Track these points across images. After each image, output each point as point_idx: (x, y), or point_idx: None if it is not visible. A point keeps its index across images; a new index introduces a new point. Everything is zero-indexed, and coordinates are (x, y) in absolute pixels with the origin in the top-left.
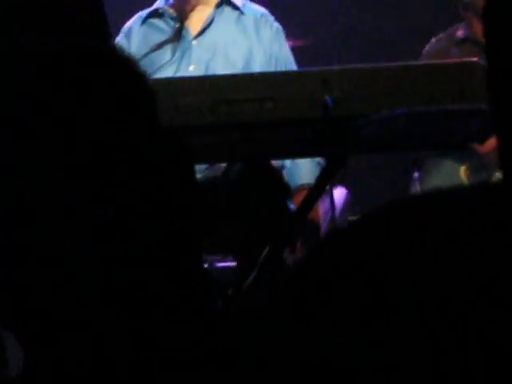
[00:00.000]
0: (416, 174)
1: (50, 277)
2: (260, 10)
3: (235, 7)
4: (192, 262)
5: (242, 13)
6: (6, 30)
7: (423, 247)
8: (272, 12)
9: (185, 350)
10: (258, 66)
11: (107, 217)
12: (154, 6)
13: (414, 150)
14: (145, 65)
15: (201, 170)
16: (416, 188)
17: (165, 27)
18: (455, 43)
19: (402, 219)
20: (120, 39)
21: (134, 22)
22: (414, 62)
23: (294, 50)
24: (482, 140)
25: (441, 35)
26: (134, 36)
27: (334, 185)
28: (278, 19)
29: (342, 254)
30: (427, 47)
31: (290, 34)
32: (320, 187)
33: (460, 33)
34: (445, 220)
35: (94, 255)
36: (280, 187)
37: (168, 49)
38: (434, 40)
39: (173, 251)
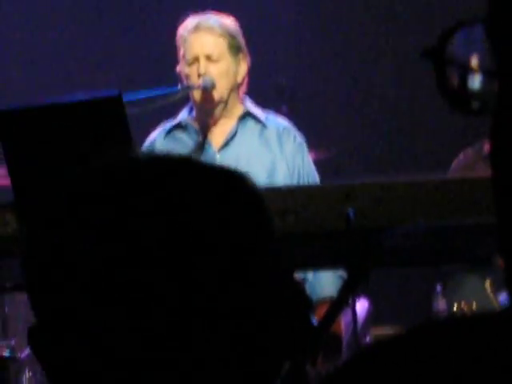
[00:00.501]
0: (439, 288)
1: None
2: (283, 122)
3: (258, 120)
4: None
5: (264, 126)
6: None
7: (449, 375)
8: (295, 124)
9: None
10: (281, 179)
11: None
12: (178, 119)
13: (436, 264)
14: None
15: None
16: (438, 301)
17: (188, 140)
18: (482, 158)
19: (428, 345)
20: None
21: (157, 134)
22: (436, 176)
23: (316, 162)
24: None
25: (469, 150)
26: (156, 149)
27: (356, 297)
28: (301, 132)
29: (367, 380)
30: (455, 161)
31: (312, 146)
32: (342, 300)
33: (488, 147)
34: (471, 348)
35: None
36: (302, 300)
37: None
38: (462, 155)
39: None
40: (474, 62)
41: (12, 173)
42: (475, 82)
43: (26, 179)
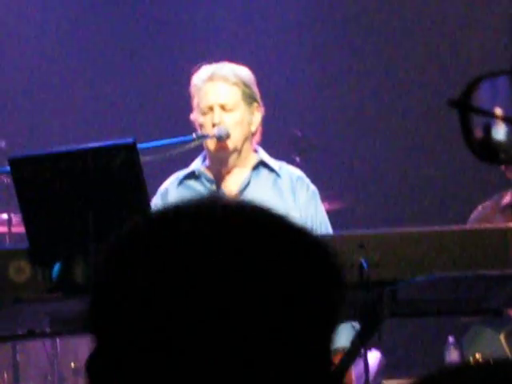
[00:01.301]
0: (451, 339)
1: None
2: (296, 172)
3: (271, 170)
4: None
5: (278, 175)
6: None
7: None
8: (309, 175)
9: None
10: None
11: None
12: (191, 168)
13: (448, 315)
14: None
15: None
16: (451, 353)
17: (201, 189)
18: (501, 210)
19: None
20: (156, 200)
21: (170, 183)
22: (449, 227)
23: (329, 212)
24: None
25: (487, 202)
26: (170, 197)
27: (368, 348)
28: (314, 182)
29: None
30: (474, 214)
31: (326, 196)
32: (355, 351)
33: (506, 199)
34: None
35: None
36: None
37: None
38: (480, 207)
39: None
40: (499, 112)
41: (26, 219)
42: (500, 132)
43: (40, 225)
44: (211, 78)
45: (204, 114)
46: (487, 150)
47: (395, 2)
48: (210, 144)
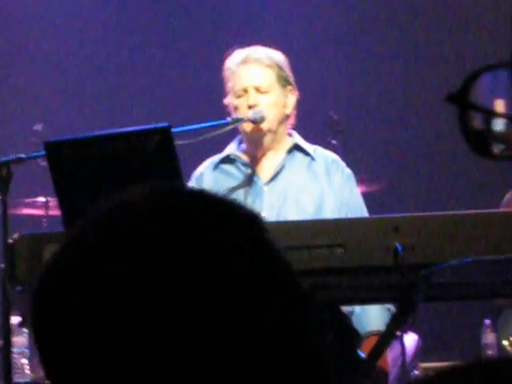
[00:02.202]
0: (487, 322)
1: None
2: (331, 155)
3: (306, 153)
4: None
5: (312, 159)
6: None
7: None
8: (345, 158)
9: None
10: (329, 212)
11: None
12: (226, 152)
13: (483, 298)
14: None
15: None
16: (487, 336)
17: (236, 173)
18: None
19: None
20: (191, 184)
21: (205, 168)
22: (482, 211)
23: (365, 195)
24: None
25: None
26: (205, 182)
27: (404, 331)
28: (350, 165)
29: None
30: (506, 197)
31: (361, 179)
32: (390, 335)
33: None
34: None
35: None
36: (349, 334)
37: (240, 194)
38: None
39: None
40: (499, 104)
41: (62, 203)
42: (499, 125)
43: (76, 209)
44: (245, 61)
45: (239, 96)
46: (484, 144)
47: None
48: (246, 127)
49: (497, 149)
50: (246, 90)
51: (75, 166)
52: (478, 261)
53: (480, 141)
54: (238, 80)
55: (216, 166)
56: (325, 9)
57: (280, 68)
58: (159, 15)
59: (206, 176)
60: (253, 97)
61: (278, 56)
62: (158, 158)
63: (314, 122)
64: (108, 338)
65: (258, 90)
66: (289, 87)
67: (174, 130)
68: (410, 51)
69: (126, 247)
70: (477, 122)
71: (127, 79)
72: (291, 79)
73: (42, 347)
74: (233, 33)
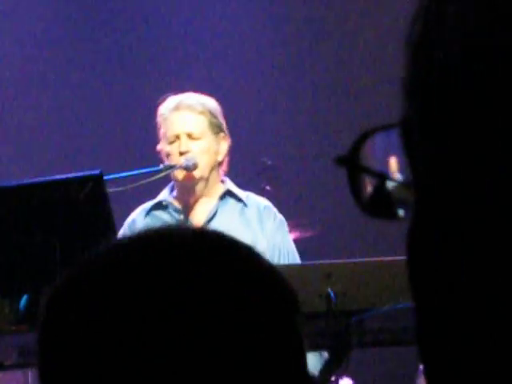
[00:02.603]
0: (421, 367)
1: None
2: (263, 201)
3: (238, 199)
4: None
5: (245, 205)
6: None
7: None
8: (277, 203)
9: None
10: None
11: None
12: (158, 198)
13: (416, 344)
14: None
15: None
16: (421, 381)
17: (168, 219)
18: None
19: None
20: (123, 231)
21: (137, 214)
22: None
23: (299, 241)
24: None
25: None
26: (137, 228)
27: (339, 376)
28: (282, 211)
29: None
30: None
31: (295, 225)
32: (324, 380)
33: None
34: None
35: None
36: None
37: None
38: None
39: None
40: (393, 163)
41: None
42: (393, 185)
43: (6, 258)
44: (177, 108)
45: (171, 142)
46: (378, 205)
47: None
48: (178, 174)
49: (393, 210)
50: (178, 137)
51: (6, 214)
52: (410, 306)
53: (374, 203)
54: (171, 126)
55: (148, 213)
56: (258, 50)
57: (212, 115)
58: (93, 60)
59: (138, 222)
60: (184, 143)
61: (211, 103)
62: (90, 205)
63: (247, 168)
64: (107, 367)
65: (190, 136)
66: (221, 134)
67: (106, 177)
68: (340, 95)
69: (125, 282)
70: (369, 184)
71: (59, 126)
72: (224, 126)
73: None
74: (166, 79)
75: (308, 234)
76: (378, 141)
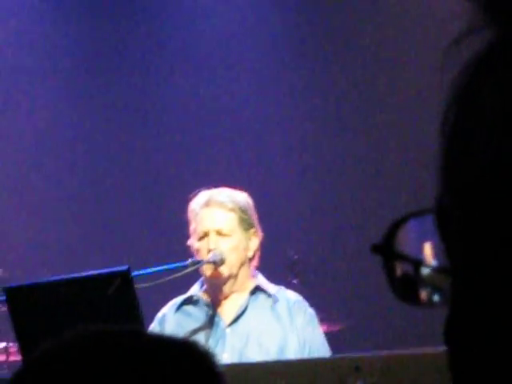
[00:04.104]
0: None
1: None
2: (293, 296)
3: (269, 294)
4: None
5: (275, 300)
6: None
7: None
8: (306, 298)
9: None
10: (292, 353)
11: None
12: (189, 293)
13: None
14: None
15: None
16: None
17: (199, 314)
18: None
19: None
20: (154, 326)
21: (168, 309)
22: (444, 349)
23: (326, 334)
24: None
25: None
26: (167, 323)
27: None
28: (312, 305)
29: None
30: None
31: (324, 318)
32: None
33: None
34: None
35: None
36: None
37: (201, 336)
38: None
39: None
40: (428, 249)
41: (23, 348)
42: (428, 271)
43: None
44: (208, 204)
45: (200, 239)
46: (412, 293)
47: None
48: (206, 269)
49: (425, 295)
50: (207, 233)
51: (36, 311)
52: None
53: (407, 288)
54: (200, 222)
55: (178, 308)
56: (291, 147)
57: (243, 211)
58: (120, 152)
59: (169, 318)
60: (213, 240)
61: (242, 198)
62: (118, 301)
63: (275, 262)
64: None
65: (219, 233)
66: (252, 230)
67: (133, 273)
68: (366, 192)
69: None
70: (404, 268)
71: (87, 223)
72: (255, 222)
73: None
74: (198, 174)
75: (336, 328)
76: (412, 226)
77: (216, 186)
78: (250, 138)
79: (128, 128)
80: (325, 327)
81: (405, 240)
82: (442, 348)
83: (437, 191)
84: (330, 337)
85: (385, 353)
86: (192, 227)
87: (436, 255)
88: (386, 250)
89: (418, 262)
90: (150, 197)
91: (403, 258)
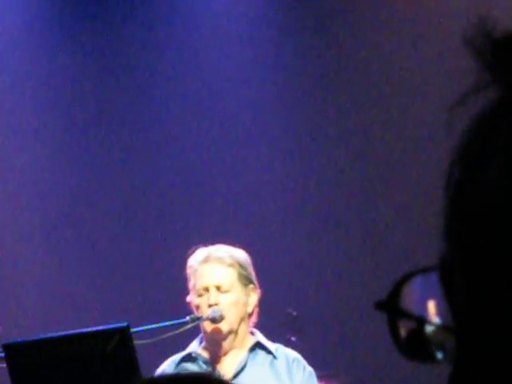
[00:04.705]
0: None
1: None
2: (292, 354)
3: (268, 351)
4: None
5: (274, 357)
6: None
7: None
8: (305, 355)
9: None
10: None
11: None
12: (188, 350)
13: None
14: None
15: None
16: None
17: (198, 371)
18: None
19: None
20: None
21: (167, 365)
22: None
23: None
24: None
25: None
26: None
27: None
28: (310, 361)
29: None
30: None
31: (321, 376)
32: None
33: None
34: None
35: None
36: None
37: None
38: None
39: None
40: (432, 307)
41: None
42: (433, 330)
43: None
44: (206, 260)
45: (200, 295)
46: (419, 348)
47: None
48: (206, 326)
49: (429, 352)
50: (206, 289)
51: (35, 367)
52: None
53: (412, 345)
54: (200, 279)
55: (177, 365)
56: (289, 204)
57: (242, 267)
58: (126, 210)
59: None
60: (214, 296)
61: (240, 254)
62: (117, 358)
63: (272, 319)
64: None
65: (218, 288)
66: (250, 286)
67: (132, 329)
68: (363, 246)
69: None
70: (409, 327)
71: (86, 278)
72: (253, 278)
73: None
74: (196, 231)
75: None
76: (416, 283)
77: (213, 243)
78: (246, 195)
79: (127, 181)
80: None
81: (409, 297)
82: None
83: (441, 247)
84: None
85: None
86: (191, 284)
87: (440, 313)
88: (391, 307)
89: (422, 320)
90: (148, 253)
91: (407, 315)
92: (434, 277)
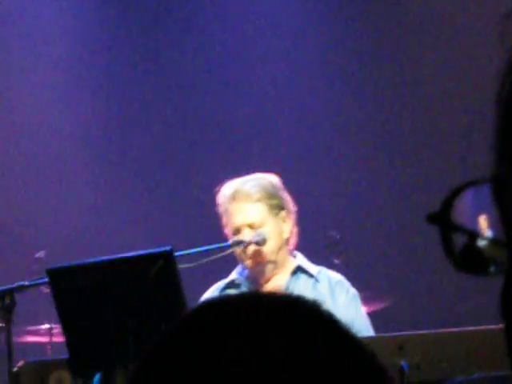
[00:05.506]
0: None
1: None
2: (335, 276)
3: (310, 275)
4: None
5: (317, 280)
6: None
7: None
8: (348, 277)
9: None
10: None
11: None
12: (231, 277)
13: None
14: None
15: None
16: None
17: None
18: None
19: None
20: None
21: (211, 292)
22: (488, 327)
23: (369, 314)
24: None
25: None
26: None
27: None
28: (353, 284)
29: None
30: None
31: (366, 298)
32: None
33: None
34: None
35: None
36: None
37: None
38: None
39: None
40: (483, 221)
41: (66, 329)
42: (485, 243)
43: (80, 336)
44: (234, 198)
45: (234, 234)
46: (472, 262)
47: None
48: (247, 261)
49: (485, 267)
50: (239, 229)
51: (78, 292)
52: (485, 377)
53: (466, 259)
54: (231, 218)
55: (221, 292)
56: (328, 127)
57: (271, 197)
58: (159, 138)
59: None
60: (248, 235)
61: (268, 183)
62: (161, 282)
63: (315, 242)
64: None
65: (251, 226)
66: (283, 213)
67: (176, 253)
68: (406, 168)
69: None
70: (461, 240)
71: (128, 203)
72: (285, 203)
73: None
74: (233, 156)
75: (379, 307)
76: (468, 197)
77: (254, 166)
78: (289, 115)
79: (165, 126)
80: (368, 307)
81: (461, 210)
82: (485, 327)
83: (492, 161)
84: (373, 316)
85: (428, 332)
86: (224, 220)
87: (491, 227)
88: (443, 220)
89: (475, 234)
90: (194, 180)
91: (459, 229)
92: (485, 190)
